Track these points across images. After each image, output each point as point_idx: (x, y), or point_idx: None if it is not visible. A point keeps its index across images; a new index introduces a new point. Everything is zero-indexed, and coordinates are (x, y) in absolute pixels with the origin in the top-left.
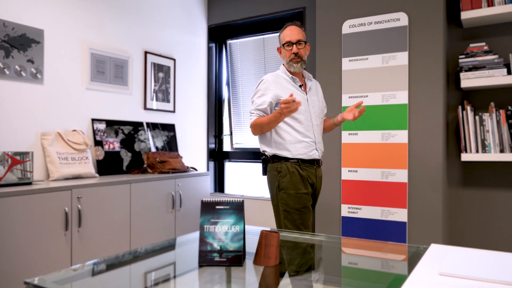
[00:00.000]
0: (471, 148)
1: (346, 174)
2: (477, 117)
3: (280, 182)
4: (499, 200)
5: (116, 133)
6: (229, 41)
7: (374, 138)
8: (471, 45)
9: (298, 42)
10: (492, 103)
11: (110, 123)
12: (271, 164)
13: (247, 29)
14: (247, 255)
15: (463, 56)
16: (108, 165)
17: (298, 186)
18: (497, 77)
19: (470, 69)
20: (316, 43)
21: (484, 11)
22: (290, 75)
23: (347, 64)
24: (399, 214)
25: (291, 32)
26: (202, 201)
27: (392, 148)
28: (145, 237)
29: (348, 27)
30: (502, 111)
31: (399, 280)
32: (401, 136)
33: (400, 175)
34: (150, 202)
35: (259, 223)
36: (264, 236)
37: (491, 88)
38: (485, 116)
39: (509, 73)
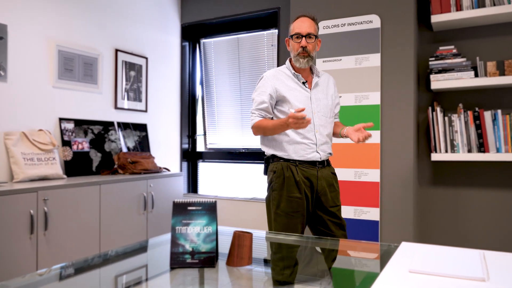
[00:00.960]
0: (441, 148)
1: None
2: (446, 118)
3: (274, 183)
4: (467, 198)
5: (85, 133)
6: (202, 40)
7: (347, 139)
8: (441, 48)
9: (308, 36)
10: (460, 105)
11: (78, 123)
12: (271, 163)
13: (221, 28)
14: (220, 256)
15: (433, 58)
16: (76, 166)
17: (291, 189)
18: (465, 79)
19: (439, 71)
20: None
21: (453, 15)
22: (293, 72)
23: (321, 64)
24: (372, 213)
25: (302, 24)
26: (174, 202)
27: (365, 148)
28: (115, 240)
29: (322, 28)
30: (469, 112)
31: (371, 278)
32: (373, 137)
33: (373, 175)
34: (121, 203)
35: (234, 224)
36: (237, 236)
37: (460, 90)
38: (454, 117)
39: (476, 75)
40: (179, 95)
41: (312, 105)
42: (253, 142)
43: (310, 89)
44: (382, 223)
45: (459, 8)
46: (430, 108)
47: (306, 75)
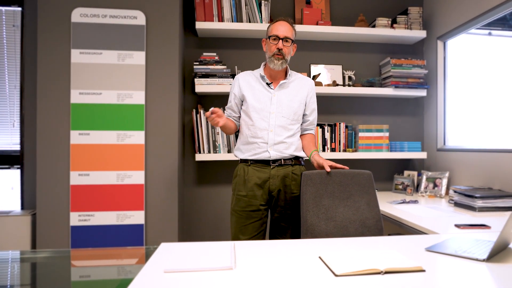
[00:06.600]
0: (204, 149)
1: (76, 178)
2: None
3: (232, 184)
4: (226, 195)
5: None
6: None
7: (108, 139)
8: (205, 54)
9: (285, 39)
10: (222, 108)
11: None
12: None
13: None
14: None
15: (198, 63)
16: None
17: (238, 187)
18: (225, 85)
19: (203, 76)
20: (38, 28)
21: (215, 25)
22: (262, 74)
23: (77, 56)
24: (136, 217)
25: (281, 27)
26: None
27: (129, 149)
28: None
29: (79, 15)
30: None
31: (125, 284)
32: (137, 137)
33: (137, 177)
34: None
35: None
36: None
37: (221, 94)
38: None
39: None
40: None
41: (272, 106)
42: None
43: (274, 89)
44: (147, 226)
45: (221, 19)
46: (194, 111)
47: (280, 77)
